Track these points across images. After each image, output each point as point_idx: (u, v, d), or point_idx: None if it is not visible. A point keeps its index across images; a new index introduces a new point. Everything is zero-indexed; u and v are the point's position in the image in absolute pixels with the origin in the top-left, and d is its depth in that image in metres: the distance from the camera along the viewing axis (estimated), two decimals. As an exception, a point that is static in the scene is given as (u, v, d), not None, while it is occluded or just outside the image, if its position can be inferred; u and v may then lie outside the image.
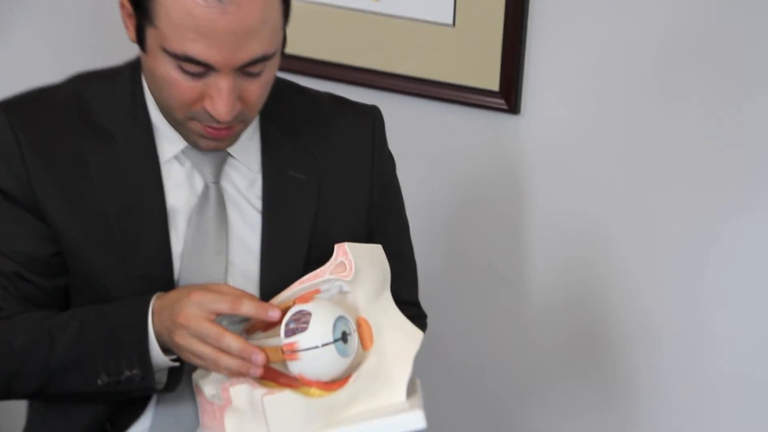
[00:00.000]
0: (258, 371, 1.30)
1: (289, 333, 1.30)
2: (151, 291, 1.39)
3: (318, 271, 1.38)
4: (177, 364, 1.38)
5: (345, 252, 1.36)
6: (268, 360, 1.30)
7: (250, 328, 1.39)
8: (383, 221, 1.56)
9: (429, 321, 1.64)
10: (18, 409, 1.61)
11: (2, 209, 1.42)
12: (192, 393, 1.44)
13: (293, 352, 1.29)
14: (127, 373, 1.35)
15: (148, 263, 1.43)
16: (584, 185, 1.97)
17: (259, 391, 1.31)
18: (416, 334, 1.36)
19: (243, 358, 1.30)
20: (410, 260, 1.63)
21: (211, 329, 1.30)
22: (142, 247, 1.43)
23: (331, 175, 1.51)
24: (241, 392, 1.33)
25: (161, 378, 1.40)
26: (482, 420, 2.16)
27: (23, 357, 1.40)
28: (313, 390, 1.31)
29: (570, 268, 2.01)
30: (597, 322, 2.01)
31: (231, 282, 1.45)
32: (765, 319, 1.88)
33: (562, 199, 1.99)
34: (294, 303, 1.34)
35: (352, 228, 1.50)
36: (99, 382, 1.36)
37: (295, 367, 1.31)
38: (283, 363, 1.32)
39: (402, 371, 1.33)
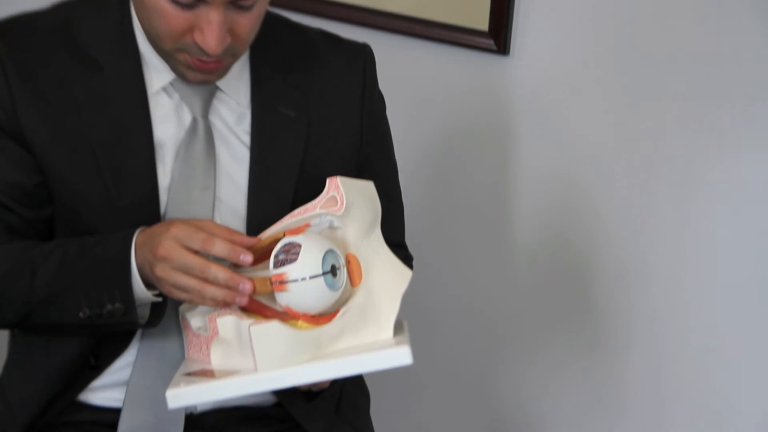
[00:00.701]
0: (244, 300, 1.30)
1: (278, 264, 1.29)
2: (137, 225, 1.37)
3: (309, 205, 1.37)
4: (159, 299, 1.37)
5: (337, 186, 1.35)
6: (255, 292, 1.30)
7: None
8: (372, 161, 1.55)
9: (414, 263, 1.63)
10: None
11: None
12: (177, 327, 1.44)
13: (282, 283, 1.29)
14: (109, 307, 1.34)
15: (134, 195, 1.41)
16: (572, 128, 1.96)
17: (246, 321, 1.31)
18: (405, 272, 1.36)
19: (229, 288, 1.29)
20: (398, 201, 1.63)
21: (195, 260, 1.29)
22: (128, 179, 1.41)
23: (320, 113, 1.49)
24: (228, 323, 1.33)
25: (144, 313, 1.39)
26: (466, 363, 2.17)
27: (4, 287, 1.39)
28: (300, 323, 1.31)
29: (556, 211, 2.01)
30: (582, 264, 2.01)
31: (218, 217, 1.44)
32: (751, 261, 1.88)
33: (550, 142, 1.99)
34: (284, 235, 1.33)
35: (340, 166, 1.49)
36: (81, 315, 1.35)
37: (283, 299, 1.30)
38: (271, 295, 1.32)
39: (390, 309, 1.33)
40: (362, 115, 1.52)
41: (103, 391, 1.48)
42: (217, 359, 1.35)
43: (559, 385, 2.08)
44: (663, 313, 1.95)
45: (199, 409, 1.47)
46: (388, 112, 1.59)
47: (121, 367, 1.46)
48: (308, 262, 1.28)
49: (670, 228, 1.92)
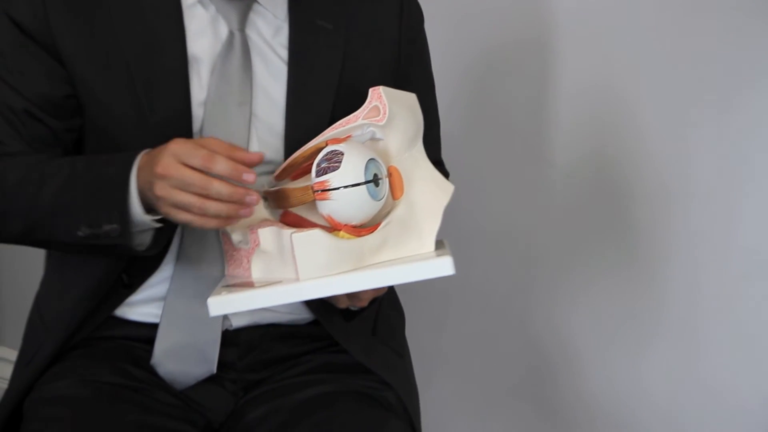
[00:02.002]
0: (249, 212, 1.26)
1: (321, 172, 1.28)
2: (168, 141, 1.33)
3: (351, 116, 1.35)
4: (159, 225, 1.33)
5: (380, 96, 1.33)
6: (292, 203, 1.28)
7: (279, 174, 1.37)
8: (409, 75, 1.53)
9: (450, 180, 1.62)
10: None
11: (18, 44, 1.38)
12: (213, 245, 1.43)
13: (324, 191, 1.27)
14: (106, 227, 1.30)
15: (166, 111, 1.39)
16: (616, 43, 1.93)
17: (288, 230, 1.29)
18: (447, 186, 1.35)
19: (234, 202, 1.24)
20: (435, 117, 1.61)
21: (195, 177, 1.23)
22: (160, 93, 1.39)
23: (358, 26, 1.47)
24: (270, 233, 1.31)
25: (143, 240, 1.35)
26: (499, 282, 2.16)
27: (13, 195, 1.36)
28: (341, 233, 1.29)
29: (596, 131, 1.99)
30: (621, 183, 1.99)
31: (254, 134, 1.43)
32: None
33: (590, 61, 1.95)
34: (326, 144, 1.32)
35: (378, 81, 1.45)
36: (79, 233, 1.32)
37: (325, 208, 1.29)
38: (312, 209, 1.30)
39: (431, 222, 1.32)
40: (401, 28, 1.50)
41: (140, 306, 1.48)
42: (257, 272, 1.34)
43: (591, 304, 2.07)
44: (704, 236, 1.93)
45: (234, 325, 1.47)
46: (427, 28, 1.56)
47: (158, 282, 1.46)
48: (351, 169, 1.27)
49: (713, 147, 1.89)
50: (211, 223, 1.26)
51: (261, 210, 1.36)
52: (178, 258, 1.45)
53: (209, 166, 1.23)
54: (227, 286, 1.33)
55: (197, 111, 1.41)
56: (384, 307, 1.57)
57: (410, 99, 1.37)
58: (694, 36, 1.86)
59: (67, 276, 1.49)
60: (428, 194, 1.33)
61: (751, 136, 1.85)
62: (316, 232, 1.27)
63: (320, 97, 1.45)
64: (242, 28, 1.42)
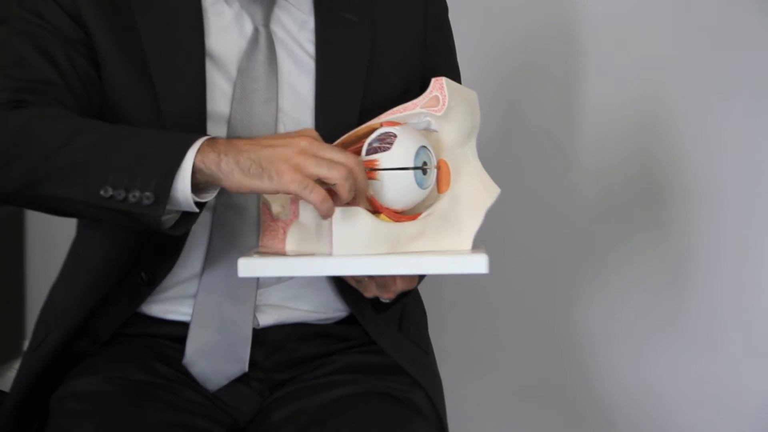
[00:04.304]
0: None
1: (371, 151, 1.28)
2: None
3: (409, 103, 1.34)
4: (196, 210, 1.28)
5: (441, 86, 1.32)
6: None
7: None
8: (436, 66, 1.52)
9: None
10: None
11: (50, 12, 1.38)
12: (243, 245, 1.42)
13: (372, 170, 1.27)
14: (136, 194, 1.23)
15: (180, 104, 1.39)
16: (644, 51, 1.92)
17: None
18: (493, 188, 1.35)
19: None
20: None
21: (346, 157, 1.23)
22: (176, 86, 1.39)
23: (384, 18, 1.47)
24: (310, 206, 1.30)
25: (166, 221, 1.29)
26: (528, 284, 2.15)
27: (35, 137, 1.29)
28: (382, 216, 1.29)
29: (624, 132, 1.98)
30: (649, 188, 1.98)
31: (282, 130, 1.42)
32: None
33: (620, 63, 1.95)
34: (381, 125, 1.32)
35: (406, 72, 1.47)
36: (102, 192, 1.24)
37: (370, 188, 1.29)
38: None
39: (472, 221, 1.32)
40: (426, 18, 1.50)
41: (169, 304, 1.47)
42: (291, 244, 1.34)
43: (620, 307, 2.06)
44: (729, 241, 1.92)
45: (261, 324, 1.47)
46: (453, 21, 1.56)
47: (187, 279, 1.46)
48: (401, 152, 1.27)
49: (742, 150, 1.88)
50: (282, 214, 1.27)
51: None
52: (207, 256, 1.44)
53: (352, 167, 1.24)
54: (258, 252, 1.33)
55: (223, 108, 1.41)
56: (409, 304, 1.57)
57: (471, 95, 1.36)
58: (723, 39, 1.86)
59: (78, 267, 1.50)
60: (473, 193, 1.33)
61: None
62: (356, 209, 1.27)
63: (349, 90, 1.44)
64: (267, 24, 1.42)
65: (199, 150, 1.24)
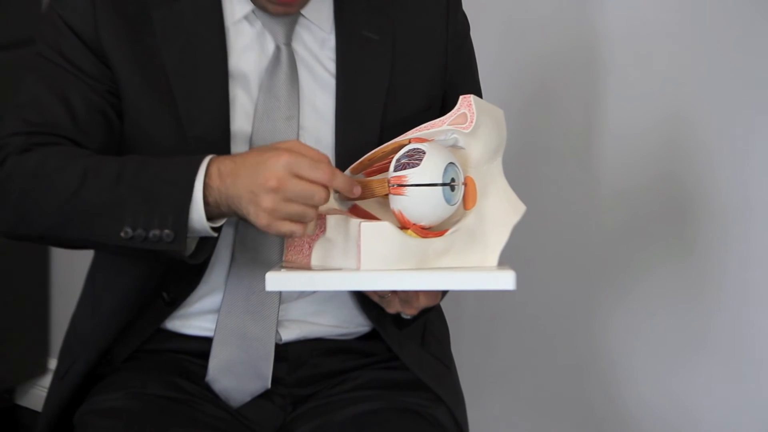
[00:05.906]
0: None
1: (400, 167, 1.29)
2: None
3: (437, 120, 1.35)
4: (215, 234, 1.32)
5: (469, 104, 1.33)
6: (366, 194, 1.29)
7: (355, 167, 1.38)
8: (457, 84, 1.52)
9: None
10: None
11: (71, 45, 1.40)
12: (264, 262, 1.42)
13: (400, 186, 1.28)
14: (156, 232, 1.27)
15: (205, 126, 1.40)
16: (667, 68, 1.91)
17: (357, 219, 1.30)
18: (519, 205, 1.35)
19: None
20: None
21: (312, 189, 1.25)
22: (200, 108, 1.40)
23: (405, 36, 1.47)
24: (337, 221, 1.33)
25: (189, 247, 1.32)
26: (552, 300, 2.14)
27: (48, 184, 1.32)
28: (409, 232, 1.30)
29: (649, 149, 1.97)
30: (675, 204, 1.97)
31: None
32: None
33: (644, 80, 1.94)
34: (409, 141, 1.33)
35: (427, 91, 1.47)
36: (122, 234, 1.28)
37: (398, 203, 1.29)
38: (382, 202, 1.31)
39: (498, 238, 1.33)
40: (447, 37, 1.50)
41: (192, 320, 1.48)
42: (317, 259, 1.35)
43: (644, 324, 2.05)
44: (758, 257, 1.90)
45: (284, 339, 1.47)
46: (475, 39, 1.56)
47: (209, 294, 1.46)
48: (430, 168, 1.27)
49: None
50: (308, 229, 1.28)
51: (330, 201, 1.37)
52: (230, 273, 1.45)
53: (330, 181, 1.25)
54: (284, 267, 1.34)
55: (245, 126, 1.42)
56: (431, 319, 1.57)
57: (498, 113, 1.37)
58: (749, 54, 1.85)
59: (100, 292, 1.51)
60: (500, 210, 1.34)
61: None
62: (385, 224, 1.28)
63: (369, 108, 1.45)
64: (288, 42, 1.43)
65: (205, 184, 1.28)
